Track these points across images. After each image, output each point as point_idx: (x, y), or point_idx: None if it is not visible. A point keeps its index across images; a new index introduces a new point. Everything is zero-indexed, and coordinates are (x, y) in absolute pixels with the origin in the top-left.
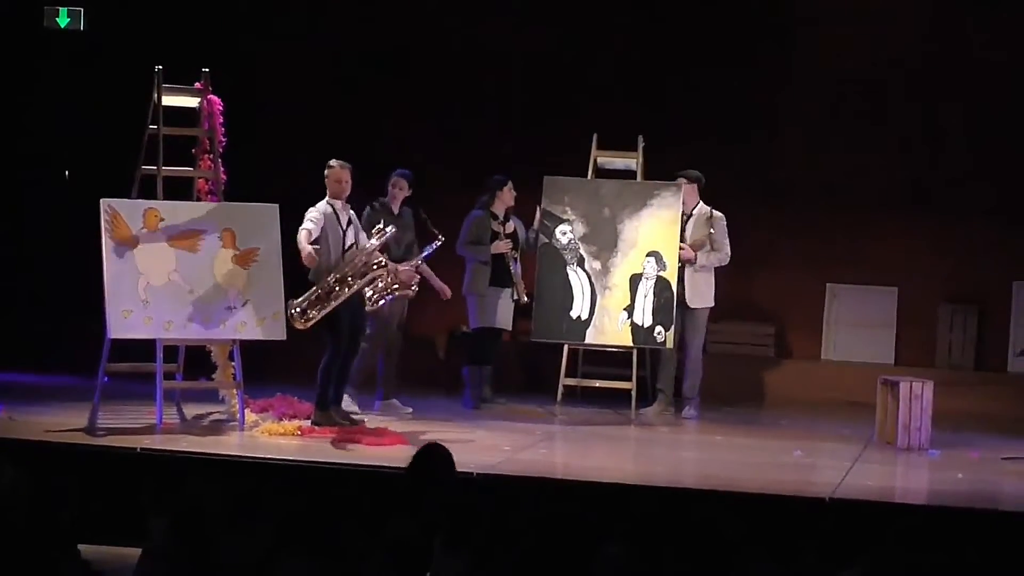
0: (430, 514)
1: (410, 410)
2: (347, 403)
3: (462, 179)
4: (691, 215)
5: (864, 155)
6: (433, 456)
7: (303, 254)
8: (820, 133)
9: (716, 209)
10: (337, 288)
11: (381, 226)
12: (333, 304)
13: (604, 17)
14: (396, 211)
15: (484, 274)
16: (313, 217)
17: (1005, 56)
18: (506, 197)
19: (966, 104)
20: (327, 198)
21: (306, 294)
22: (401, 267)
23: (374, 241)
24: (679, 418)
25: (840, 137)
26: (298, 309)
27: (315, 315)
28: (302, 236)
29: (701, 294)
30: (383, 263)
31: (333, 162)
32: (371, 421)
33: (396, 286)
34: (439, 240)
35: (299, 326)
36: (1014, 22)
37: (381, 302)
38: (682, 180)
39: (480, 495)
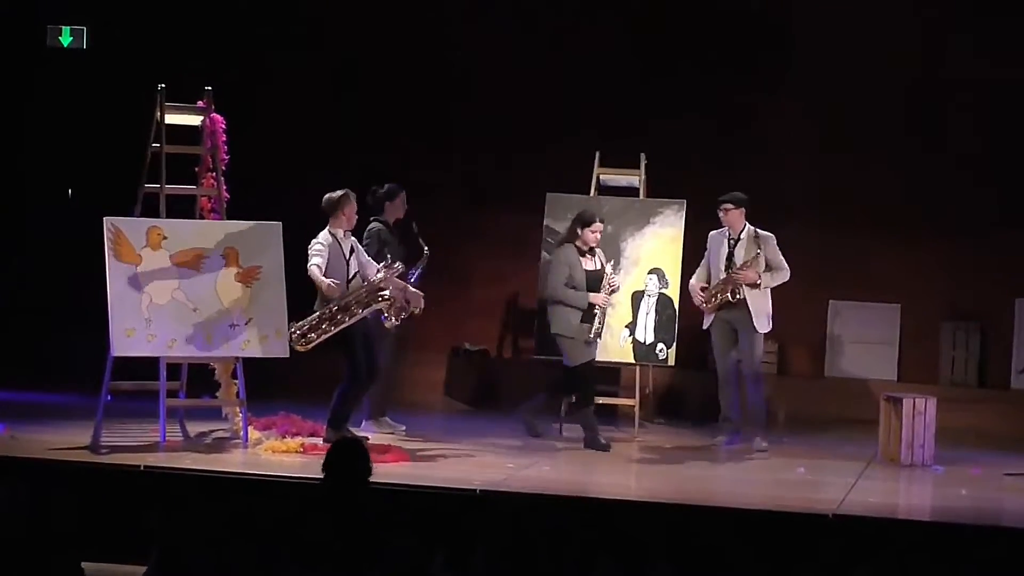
0: (347, 513)
1: (403, 427)
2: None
3: (464, 197)
4: (739, 239)
5: (866, 172)
6: (349, 451)
7: (323, 287)
8: (821, 150)
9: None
10: (339, 315)
11: (389, 261)
12: (334, 330)
13: (607, 35)
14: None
15: (575, 314)
16: (318, 250)
17: (1007, 72)
18: (588, 237)
19: (968, 120)
20: (329, 228)
21: (308, 317)
22: (410, 290)
23: (381, 275)
24: (752, 449)
25: (841, 154)
26: (298, 332)
27: (314, 338)
28: (314, 272)
29: (766, 317)
30: (387, 296)
31: (351, 193)
32: (374, 439)
33: (409, 306)
34: (426, 256)
35: (299, 348)
36: (1014, 38)
37: (397, 320)
38: (728, 205)
39: (483, 512)
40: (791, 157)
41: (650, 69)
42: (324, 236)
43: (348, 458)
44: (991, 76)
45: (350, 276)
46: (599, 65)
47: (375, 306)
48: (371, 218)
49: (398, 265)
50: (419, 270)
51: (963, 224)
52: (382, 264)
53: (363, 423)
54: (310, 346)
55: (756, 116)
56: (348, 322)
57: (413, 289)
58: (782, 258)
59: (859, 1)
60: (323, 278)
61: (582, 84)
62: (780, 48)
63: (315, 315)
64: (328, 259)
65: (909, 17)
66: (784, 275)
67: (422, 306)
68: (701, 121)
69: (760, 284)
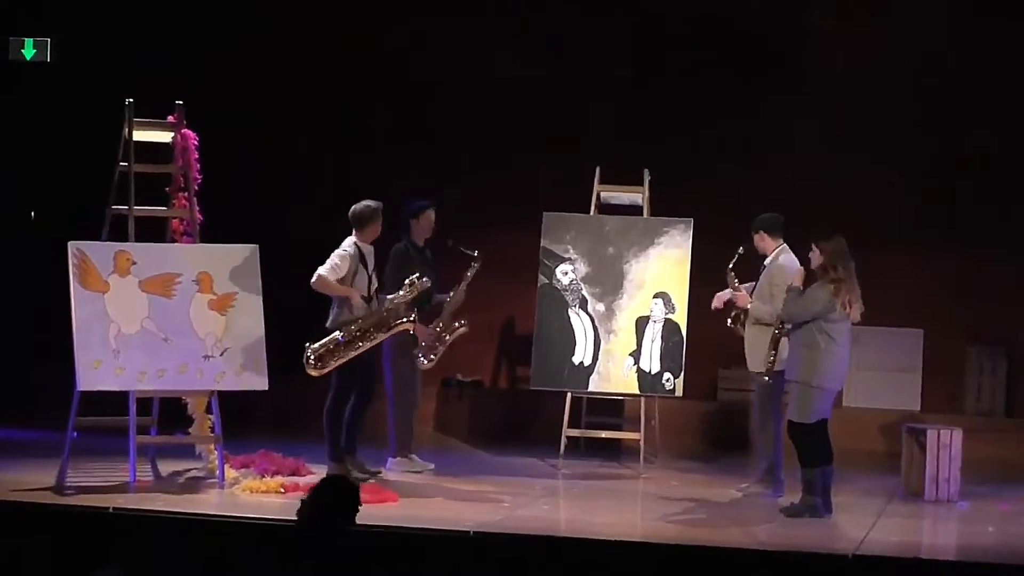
0: (324, 559)
1: (431, 465)
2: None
3: (455, 216)
4: (765, 265)
5: (884, 189)
6: (334, 490)
7: (350, 298)
8: (835, 164)
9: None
10: (359, 339)
11: (416, 277)
12: (352, 355)
13: (607, 46)
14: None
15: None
16: (336, 262)
17: None
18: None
19: (992, 134)
20: (355, 238)
21: (326, 339)
22: (419, 327)
23: (402, 293)
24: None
25: (856, 168)
26: (314, 356)
27: (332, 363)
28: (319, 280)
29: (756, 353)
30: (411, 318)
31: (379, 208)
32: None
33: (445, 336)
34: (476, 262)
35: (313, 373)
36: None
37: (432, 358)
38: (755, 228)
39: (477, 555)
40: (802, 172)
41: (653, 81)
42: (350, 247)
43: (328, 498)
44: (1014, 91)
45: (372, 291)
46: (599, 77)
47: (396, 329)
48: (404, 238)
49: (424, 280)
50: (470, 276)
51: (989, 244)
52: (407, 280)
53: (388, 461)
54: (326, 371)
55: (765, 130)
56: (367, 346)
57: (421, 327)
58: (786, 295)
59: (873, 10)
60: (332, 281)
61: (581, 96)
62: (789, 60)
63: (333, 337)
64: (353, 272)
65: (926, 25)
66: (767, 311)
67: (464, 326)
68: (707, 135)
69: (751, 312)
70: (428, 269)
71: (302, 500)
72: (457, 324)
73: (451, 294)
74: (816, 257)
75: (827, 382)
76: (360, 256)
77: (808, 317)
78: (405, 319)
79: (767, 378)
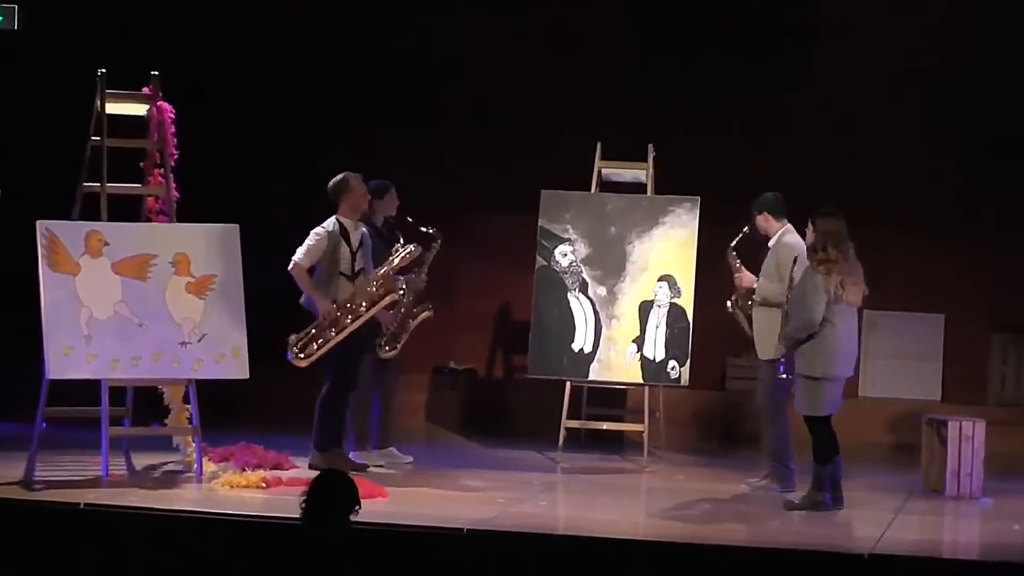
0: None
1: (410, 459)
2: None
3: (447, 195)
4: (770, 247)
5: (904, 168)
6: (331, 485)
7: (306, 288)
8: (851, 141)
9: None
10: (344, 318)
11: (403, 243)
12: (338, 337)
13: (608, 13)
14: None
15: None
16: (311, 243)
17: None
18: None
19: (1015, 114)
20: (337, 215)
21: (307, 327)
22: (383, 313)
23: (395, 260)
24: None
25: (875, 146)
26: (298, 346)
27: (316, 349)
28: (295, 269)
29: (765, 339)
30: (401, 289)
31: (352, 176)
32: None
33: (408, 323)
34: (438, 239)
35: (300, 364)
36: None
37: (396, 346)
38: (754, 212)
39: (470, 554)
40: (816, 150)
41: (657, 50)
42: (328, 224)
43: (329, 492)
44: None
45: (356, 270)
46: (599, 46)
47: (384, 303)
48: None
49: (414, 247)
50: (432, 253)
51: (1014, 226)
52: (395, 248)
53: (351, 454)
54: (312, 359)
55: (778, 103)
56: (354, 326)
57: (385, 313)
58: (789, 271)
59: None
60: (305, 275)
61: (580, 66)
62: (803, 32)
63: (316, 322)
64: (331, 250)
65: (943, 6)
66: (775, 290)
67: (428, 311)
68: (715, 109)
69: (757, 294)
70: (385, 248)
71: (301, 502)
72: (420, 309)
73: (412, 276)
74: (811, 235)
75: (833, 370)
76: (341, 232)
77: (820, 314)
78: (392, 292)
79: (780, 366)
